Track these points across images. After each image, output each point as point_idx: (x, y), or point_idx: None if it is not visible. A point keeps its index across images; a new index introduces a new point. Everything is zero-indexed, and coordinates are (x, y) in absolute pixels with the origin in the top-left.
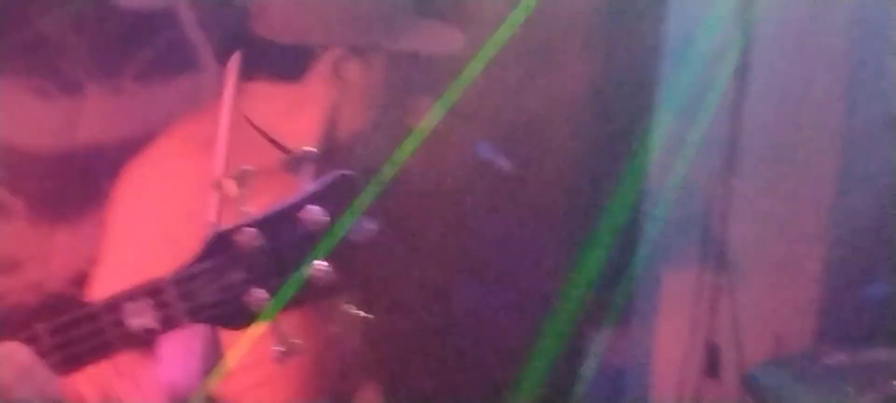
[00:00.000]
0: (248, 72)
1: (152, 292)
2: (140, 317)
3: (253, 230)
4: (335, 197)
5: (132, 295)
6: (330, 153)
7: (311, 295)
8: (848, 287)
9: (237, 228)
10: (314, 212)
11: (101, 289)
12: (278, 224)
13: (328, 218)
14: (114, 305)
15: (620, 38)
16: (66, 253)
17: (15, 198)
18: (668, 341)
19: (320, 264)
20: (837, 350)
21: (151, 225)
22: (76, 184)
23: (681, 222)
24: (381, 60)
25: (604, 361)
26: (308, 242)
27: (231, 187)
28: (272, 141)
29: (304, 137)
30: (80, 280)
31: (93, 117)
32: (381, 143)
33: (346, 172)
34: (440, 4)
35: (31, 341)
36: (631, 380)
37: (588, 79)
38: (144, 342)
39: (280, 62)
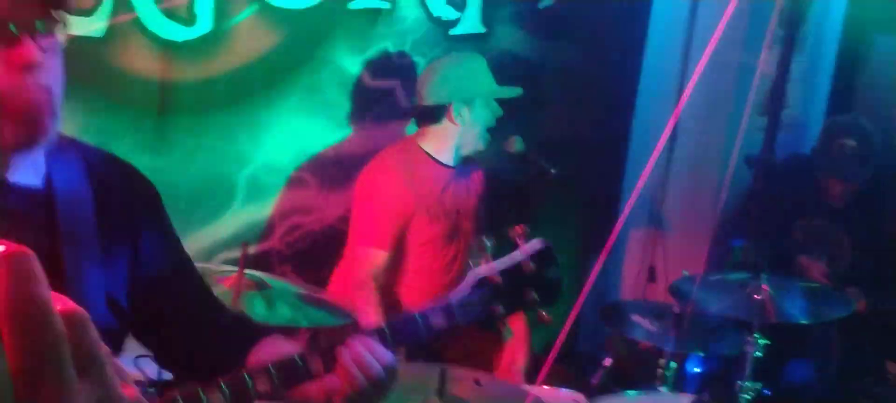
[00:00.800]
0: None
1: (445, 308)
2: (439, 320)
3: (498, 276)
4: (540, 258)
5: (432, 308)
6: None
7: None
8: (725, 239)
9: (492, 274)
10: (529, 267)
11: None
12: (510, 272)
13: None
14: (427, 312)
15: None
16: (334, 206)
17: (311, 178)
18: (631, 266)
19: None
20: (717, 274)
21: (373, 196)
22: (343, 172)
23: (639, 201)
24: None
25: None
26: (525, 281)
27: (483, 243)
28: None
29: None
30: (341, 221)
31: (353, 141)
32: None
33: (547, 242)
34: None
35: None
36: (611, 287)
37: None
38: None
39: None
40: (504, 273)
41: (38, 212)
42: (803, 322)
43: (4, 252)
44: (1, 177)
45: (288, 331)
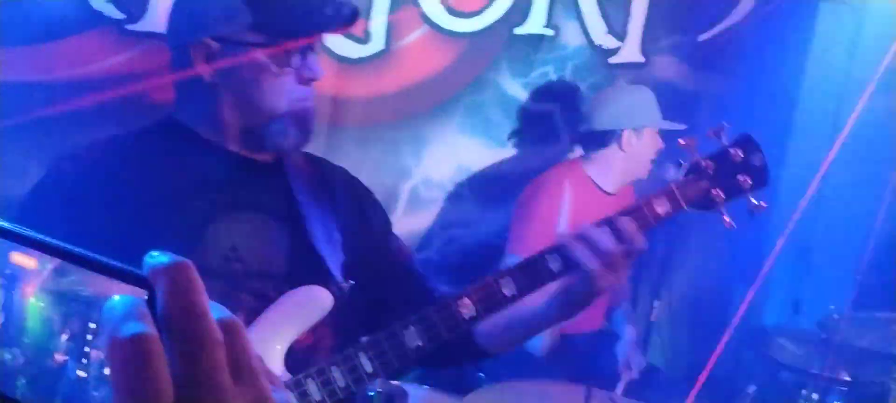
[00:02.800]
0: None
1: (667, 192)
2: (663, 206)
3: (710, 162)
4: (745, 146)
5: (654, 194)
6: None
7: None
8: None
9: (705, 161)
10: (738, 155)
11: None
12: (721, 159)
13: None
14: (650, 199)
15: None
16: (490, 222)
17: (470, 193)
18: (776, 297)
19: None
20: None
21: (534, 213)
22: (500, 190)
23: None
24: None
25: None
26: (736, 168)
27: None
28: None
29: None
30: (495, 236)
31: (512, 160)
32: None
33: (749, 134)
34: None
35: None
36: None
37: None
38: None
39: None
40: (715, 158)
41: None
42: None
43: (166, 264)
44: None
45: None
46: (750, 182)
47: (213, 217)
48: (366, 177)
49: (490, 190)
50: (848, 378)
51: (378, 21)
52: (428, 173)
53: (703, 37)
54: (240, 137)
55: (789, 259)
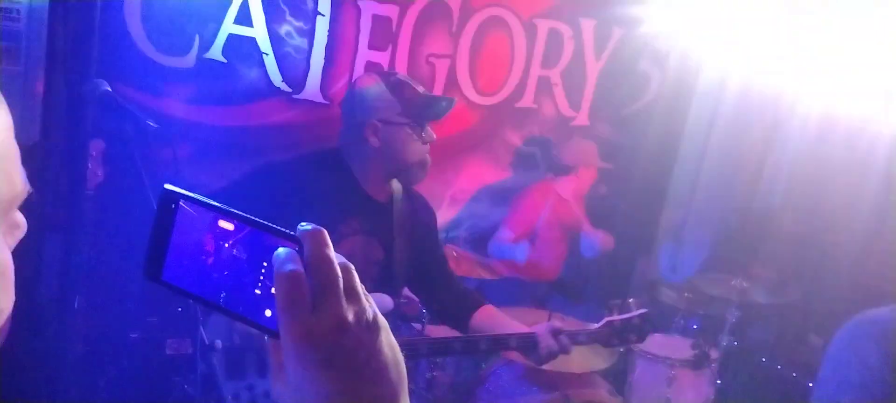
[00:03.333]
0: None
1: (590, 333)
2: (584, 338)
3: (620, 322)
4: (642, 318)
5: (583, 330)
6: None
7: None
8: None
9: (617, 320)
10: (637, 322)
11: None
12: (625, 322)
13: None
14: (584, 330)
15: None
16: (495, 214)
17: (485, 198)
18: None
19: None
20: None
21: (519, 211)
22: (502, 196)
23: None
24: None
25: None
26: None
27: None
28: None
29: None
30: (498, 222)
31: (510, 180)
32: None
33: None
34: None
35: None
36: None
37: None
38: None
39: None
40: (625, 321)
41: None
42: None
43: (311, 229)
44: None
45: None
46: (635, 338)
47: (339, 230)
48: (426, 187)
49: (497, 196)
50: (701, 312)
51: None
52: (462, 185)
53: (623, 112)
54: (374, 181)
55: (670, 238)
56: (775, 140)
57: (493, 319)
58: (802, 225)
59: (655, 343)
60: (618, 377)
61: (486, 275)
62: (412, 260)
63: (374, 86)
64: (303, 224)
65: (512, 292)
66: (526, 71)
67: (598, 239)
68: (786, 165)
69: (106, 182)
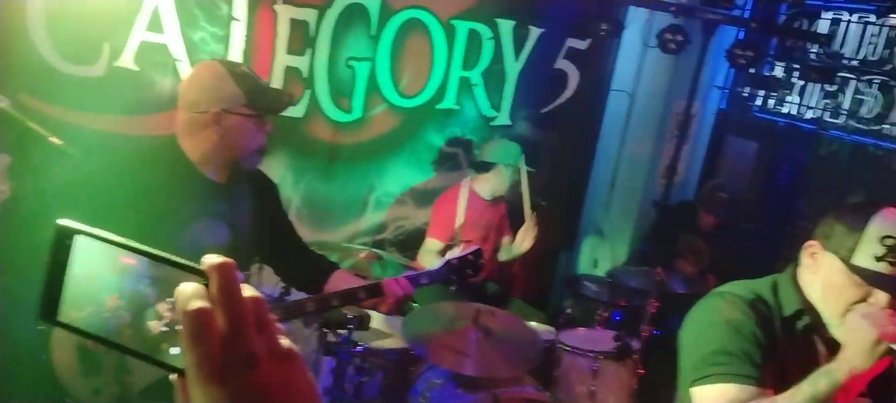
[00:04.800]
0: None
1: (429, 273)
2: (426, 279)
3: (455, 261)
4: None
5: (425, 271)
6: None
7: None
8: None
9: (453, 260)
10: (470, 259)
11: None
12: (462, 259)
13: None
14: (424, 272)
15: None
16: (421, 216)
17: (409, 199)
18: (585, 257)
19: None
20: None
21: (441, 211)
22: (427, 197)
23: (590, 219)
24: None
25: None
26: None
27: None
28: None
29: None
30: (424, 224)
31: (433, 180)
32: None
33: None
34: None
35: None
36: (572, 269)
37: None
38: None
39: (483, 168)
40: (460, 258)
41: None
42: (681, 292)
43: (218, 263)
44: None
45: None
46: (471, 273)
47: (180, 215)
48: (351, 190)
49: (420, 197)
50: (624, 304)
51: (357, 101)
52: (386, 188)
53: (543, 110)
54: (212, 165)
55: (592, 232)
56: (689, 132)
57: (347, 281)
58: (717, 215)
59: (579, 337)
60: (544, 373)
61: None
62: (261, 236)
63: (218, 76)
64: (208, 256)
65: (439, 294)
66: (447, 73)
67: (515, 239)
68: (699, 156)
69: (12, 198)
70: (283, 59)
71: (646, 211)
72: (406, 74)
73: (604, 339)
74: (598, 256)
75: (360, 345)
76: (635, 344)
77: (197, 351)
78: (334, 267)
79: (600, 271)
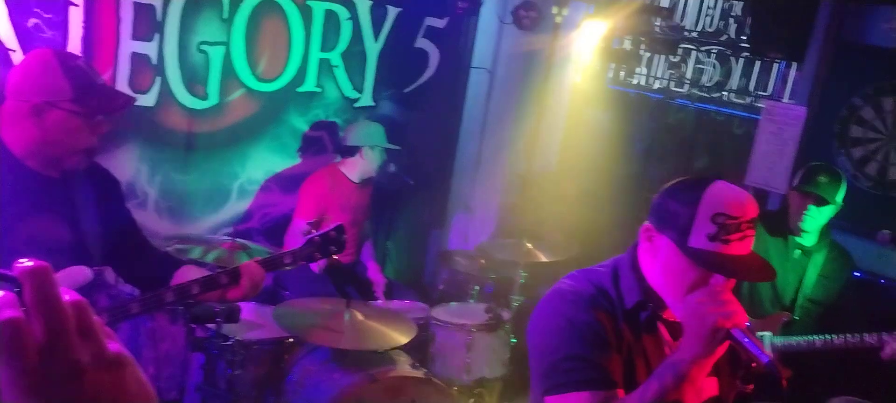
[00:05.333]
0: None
1: (292, 252)
2: (289, 259)
3: (317, 238)
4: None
5: (286, 251)
6: None
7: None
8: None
9: (314, 236)
10: (333, 235)
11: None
12: (323, 235)
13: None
14: (284, 253)
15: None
16: (288, 202)
17: (275, 186)
18: (455, 235)
19: None
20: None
21: (308, 194)
22: (293, 183)
23: (459, 198)
24: None
25: None
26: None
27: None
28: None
29: None
30: (291, 210)
31: (299, 166)
32: None
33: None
34: None
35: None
36: (443, 244)
37: None
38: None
39: (348, 151)
40: (323, 235)
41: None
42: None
43: (31, 268)
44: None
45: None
46: (335, 249)
47: (9, 211)
48: (212, 180)
49: (286, 183)
50: (493, 276)
51: (213, 87)
52: (249, 175)
53: (406, 89)
54: (38, 159)
55: (460, 208)
56: (546, 104)
57: (196, 275)
58: (579, 185)
59: (452, 311)
60: (420, 349)
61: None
62: (103, 233)
63: (46, 65)
64: (19, 261)
65: (311, 280)
66: (305, 55)
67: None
68: (558, 128)
69: None
70: (128, 46)
71: (511, 182)
72: (263, 58)
73: (476, 312)
74: (468, 231)
75: (231, 338)
76: (506, 315)
77: (12, 365)
78: (180, 263)
79: (470, 245)
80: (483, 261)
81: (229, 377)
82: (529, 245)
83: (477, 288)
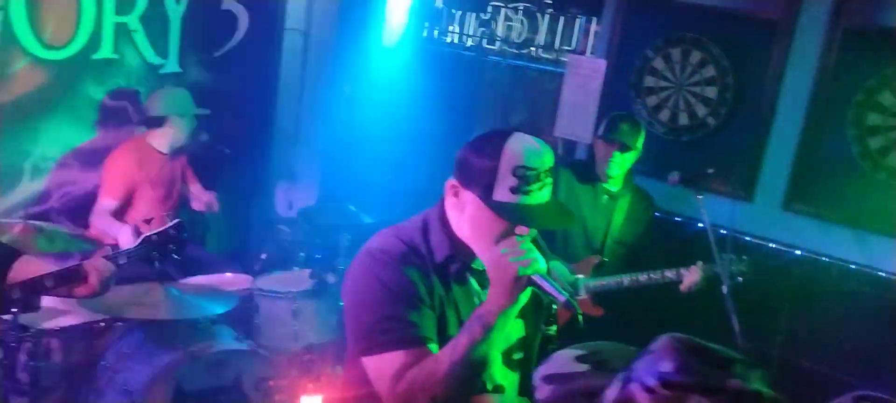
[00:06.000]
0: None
1: (129, 251)
2: (123, 258)
3: (154, 237)
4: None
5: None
6: None
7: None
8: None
9: (151, 235)
10: (171, 233)
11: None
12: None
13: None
14: (123, 251)
15: None
16: (90, 179)
17: (74, 162)
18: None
19: None
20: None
21: (112, 169)
22: (94, 158)
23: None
24: None
25: None
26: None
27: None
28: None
29: None
30: (94, 187)
31: (99, 139)
32: None
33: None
34: None
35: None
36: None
37: None
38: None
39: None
40: (159, 234)
41: None
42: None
43: None
44: None
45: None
46: (173, 248)
47: None
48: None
49: (88, 158)
50: (319, 242)
51: None
52: (43, 152)
53: (216, 53)
54: None
55: (283, 175)
56: (363, 66)
57: (36, 266)
58: (400, 145)
59: (276, 280)
60: (245, 322)
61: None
62: None
63: None
64: None
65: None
66: (98, 18)
67: (201, 189)
68: (379, 93)
69: None
70: None
71: (331, 147)
72: (50, 23)
73: (301, 279)
74: (292, 198)
75: (31, 328)
76: (331, 279)
77: None
78: (15, 254)
79: (294, 212)
80: (307, 228)
81: (32, 369)
82: (353, 207)
83: (302, 254)
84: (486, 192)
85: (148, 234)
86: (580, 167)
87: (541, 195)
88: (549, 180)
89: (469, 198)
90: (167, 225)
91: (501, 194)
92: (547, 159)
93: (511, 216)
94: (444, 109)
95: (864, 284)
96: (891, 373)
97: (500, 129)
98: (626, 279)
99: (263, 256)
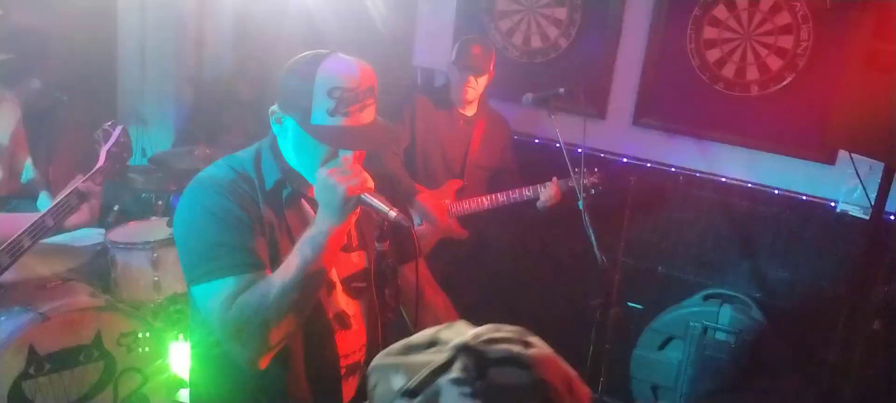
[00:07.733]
0: None
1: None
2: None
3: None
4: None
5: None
6: None
7: None
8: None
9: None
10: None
11: None
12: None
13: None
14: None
15: None
16: None
17: None
18: None
19: None
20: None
21: None
22: None
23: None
24: None
25: None
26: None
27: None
28: None
29: None
30: None
31: None
32: None
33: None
34: None
35: None
36: None
37: None
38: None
39: None
40: (116, 144)
41: None
42: None
43: None
44: None
45: None
46: (126, 156)
47: None
48: None
49: None
50: (175, 188)
51: None
52: None
53: None
54: None
55: (132, 121)
56: (210, 4)
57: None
58: (254, 85)
59: (132, 231)
60: (101, 277)
61: None
62: None
63: None
64: None
65: None
66: None
67: None
68: (229, 32)
69: None
70: None
71: (181, 89)
72: None
73: (159, 228)
74: (144, 145)
75: None
76: None
77: None
78: None
79: (147, 159)
80: (161, 174)
81: None
82: (209, 150)
83: (160, 202)
84: (303, 117)
85: (108, 147)
86: (436, 94)
87: (362, 116)
88: (371, 101)
89: (290, 124)
90: (117, 133)
91: (319, 117)
92: (365, 78)
93: (331, 139)
94: (297, 44)
95: (709, 190)
96: (735, 273)
97: (315, 51)
98: (485, 199)
99: (116, 208)
